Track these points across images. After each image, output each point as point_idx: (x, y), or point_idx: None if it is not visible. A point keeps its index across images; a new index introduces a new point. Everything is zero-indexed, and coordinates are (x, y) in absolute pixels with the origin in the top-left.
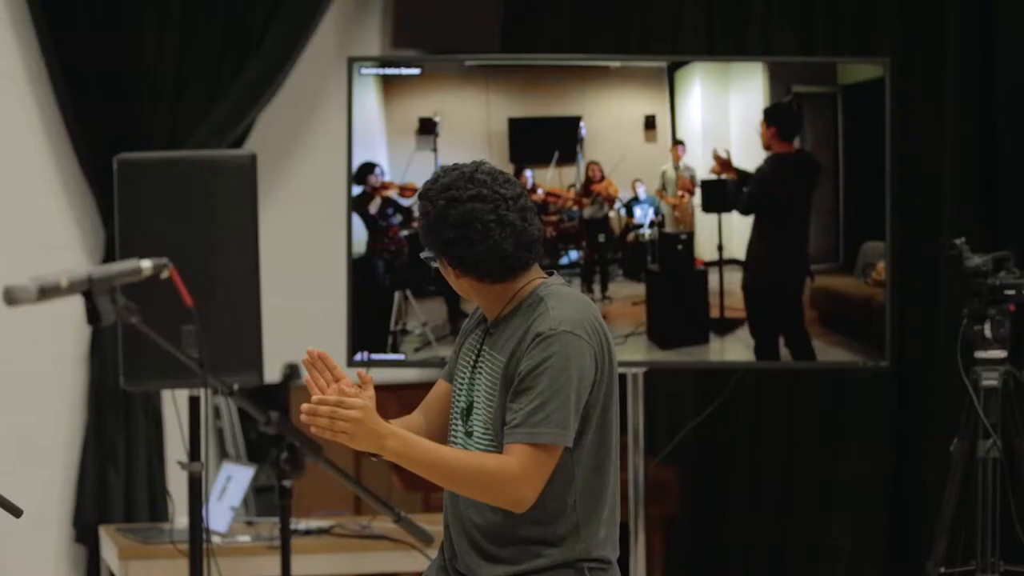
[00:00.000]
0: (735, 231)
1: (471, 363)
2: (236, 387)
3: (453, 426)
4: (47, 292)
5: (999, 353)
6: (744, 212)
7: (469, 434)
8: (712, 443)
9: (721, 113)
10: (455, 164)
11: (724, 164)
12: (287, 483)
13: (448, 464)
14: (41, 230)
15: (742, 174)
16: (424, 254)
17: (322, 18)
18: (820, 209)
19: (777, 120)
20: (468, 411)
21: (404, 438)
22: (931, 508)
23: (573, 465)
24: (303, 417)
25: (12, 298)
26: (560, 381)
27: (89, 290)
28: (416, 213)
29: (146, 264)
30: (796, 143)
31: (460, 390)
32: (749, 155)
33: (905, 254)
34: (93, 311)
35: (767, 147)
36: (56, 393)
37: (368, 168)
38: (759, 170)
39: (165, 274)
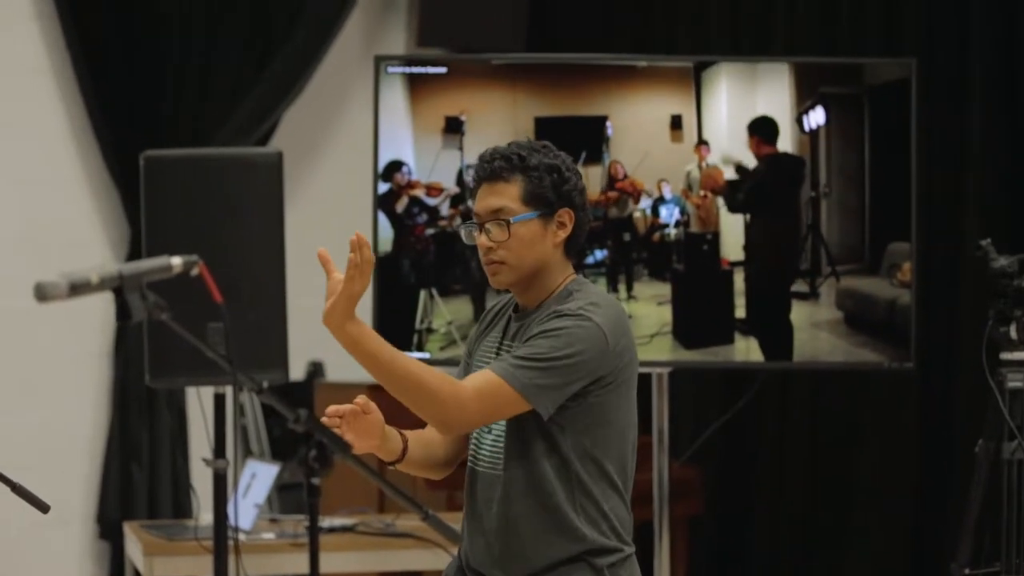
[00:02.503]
0: None
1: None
2: (265, 385)
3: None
4: (78, 288)
5: None
6: (743, 210)
7: (489, 430)
8: (737, 443)
9: (747, 113)
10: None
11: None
12: (315, 481)
13: (399, 362)
14: (66, 226)
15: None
16: (497, 211)
17: (348, 16)
18: (846, 209)
19: (757, 130)
20: None
21: (368, 328)
22: (956, 509)
23: (571, 455)
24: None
25: (43, 294)
26: (556, 352)
27: (120, 286)
28: (523, 161)
29: (176, 261)
30: (788, 145)
31: None
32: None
33: (931, 255)
34: (123, 308)
35: (758, 155)
36: (81, 389)
37: (395, 166)
38: (756, 170)
39: (195, 271)
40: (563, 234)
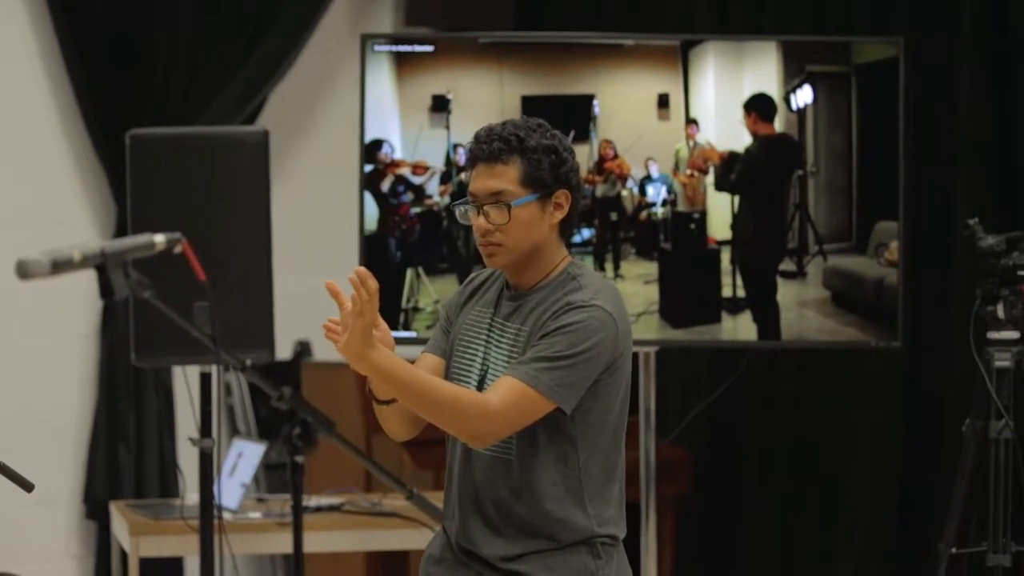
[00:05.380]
0: None
1: (484, 338)
2: (249, 363)
3: None
4: (60, 266)
5: (1012, 334)
6: (732, 191)
7: None
8: (724, 422)
9: (735, 92)
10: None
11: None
12: (299, 459)
13: (423, 382)
14: (53, 206)
15: (730, 155)
16: (491, 192)
17: None
18: (833, 188)
19: (755, 106)
20: (479, 387)
21: (386, 351)
22: (943, 488)
23: (579, 441)
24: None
25: (25, 272)
26: (577, 348)
27: (102, 264)
28: (522, 143)
29: (159, 239)
30: (776, 124)
31: (471, 366)
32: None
33: (918, 234)
34: (106, 285)
35: (754, 133)
36: (67, 370)
37: (376, 145)
38: (747, 151)
39: (178, 249)
40: (559, 215)
